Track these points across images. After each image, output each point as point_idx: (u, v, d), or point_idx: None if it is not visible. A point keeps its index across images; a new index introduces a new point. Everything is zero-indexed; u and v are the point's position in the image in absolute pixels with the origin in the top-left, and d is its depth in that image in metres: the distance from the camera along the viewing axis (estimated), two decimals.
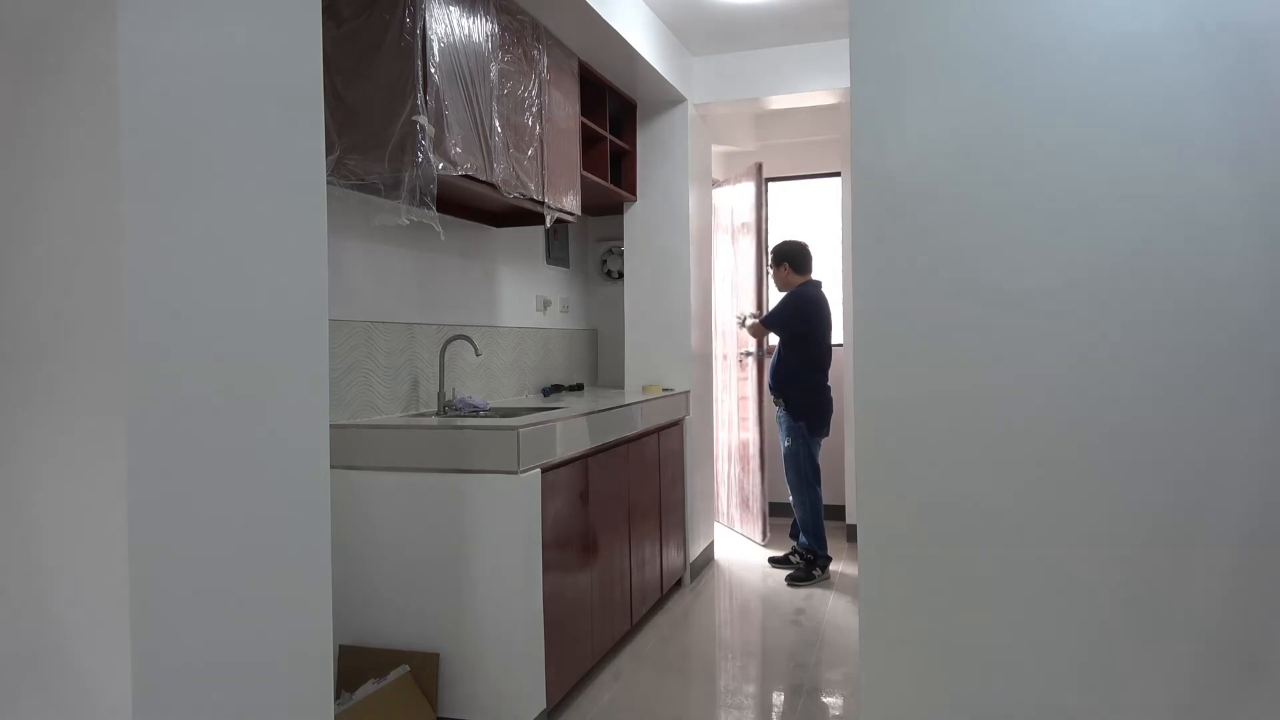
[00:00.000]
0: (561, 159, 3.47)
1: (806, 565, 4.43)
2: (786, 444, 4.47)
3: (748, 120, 5.45)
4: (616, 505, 3.34)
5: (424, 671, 2.52)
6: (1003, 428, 1.54)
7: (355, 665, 2.54)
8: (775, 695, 3.03)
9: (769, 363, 4.71)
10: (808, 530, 4.46)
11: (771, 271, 4.65)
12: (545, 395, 3.97)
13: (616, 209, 4.69)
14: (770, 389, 4.60)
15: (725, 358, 5.41)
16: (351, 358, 2.80)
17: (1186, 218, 1.44)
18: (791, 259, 4.57)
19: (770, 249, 4.73)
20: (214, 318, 1.45)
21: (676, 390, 4.33)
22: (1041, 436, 1.52)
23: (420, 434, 2.63)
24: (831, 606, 3.97)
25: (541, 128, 3.28)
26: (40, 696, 1.37)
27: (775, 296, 4.74)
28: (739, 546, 5.14)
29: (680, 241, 4.54)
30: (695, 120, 4.69)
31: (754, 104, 4.74)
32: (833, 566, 4.61)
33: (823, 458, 5.54)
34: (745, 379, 5.21)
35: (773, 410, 4.69)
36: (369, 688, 2.39)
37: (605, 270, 4.91)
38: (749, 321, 4.86)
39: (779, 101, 4.65)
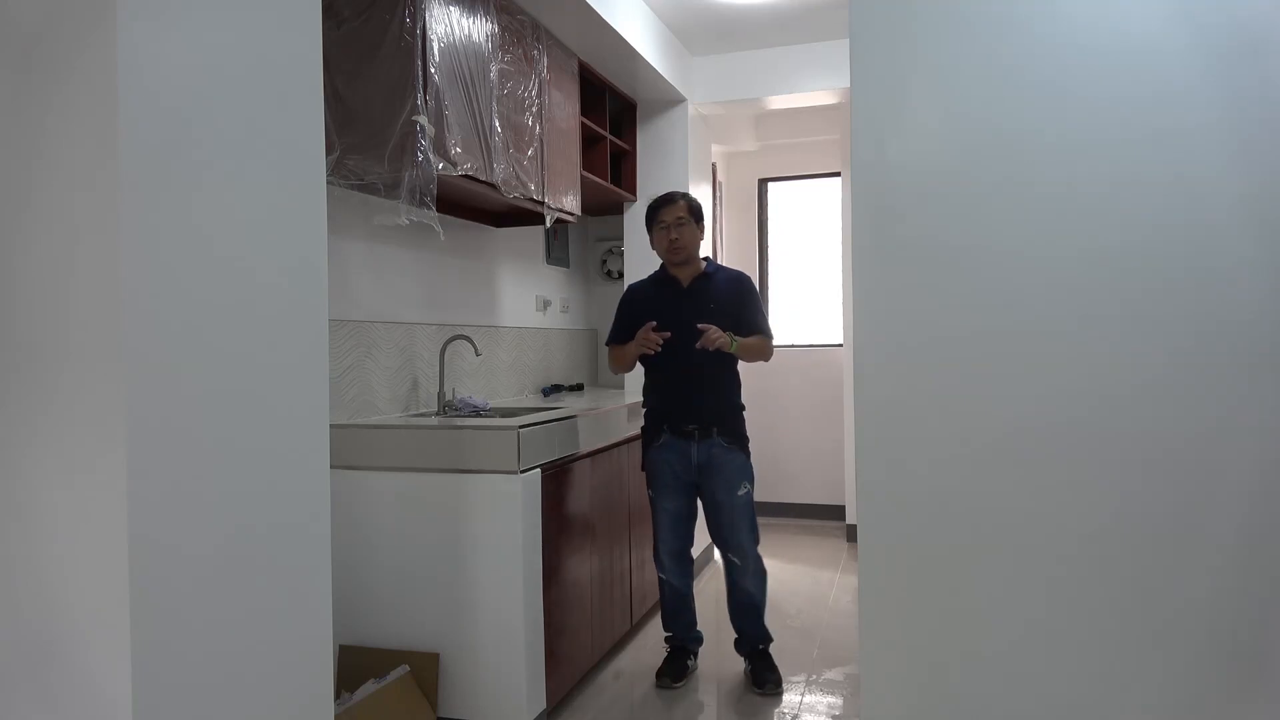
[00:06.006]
0: (561, 159, 3.47)
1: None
2: (745, 490, 3.00)
3: (748, 120, 5.45)
4: (616, 505, 3.34)
5: (424, 671, 2.52)
6: (1003, 427, 1.54)
7: (355, 665, 2.54)
8: (775, 695, 3.03)
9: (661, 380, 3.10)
10: (761, 615, 3.09)
11: (683, 229, 3.01)
12: (545, 395, 3.97)
13: (616, 209, 4.68)
14: (719, 426, 2.99)
15: None
16: (351, 358, 2.80)
17: (1187, 216, 1.44)
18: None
19: (679, 199, 3.07)
20: (214, 318, 1.44)
21: None
22: (1041, 435, 1.52)
23: (420, 434, 2.63)
24: (831, 607, 3.97)
25: (541, 128, 3.28)
26: (40, 696, 1.37)
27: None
28: None
29: None
30: (695, 120, 4.69)
31: (754, 104, 4.73)
32: (831, 571, 4.59)
33: (823, 457, 5.56)
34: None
35: None
36: (369, 688, 2.39)
37: (605, 270, 4.91)
38: (731, 342, 2.92)
39: (779, 101, 4.65)
